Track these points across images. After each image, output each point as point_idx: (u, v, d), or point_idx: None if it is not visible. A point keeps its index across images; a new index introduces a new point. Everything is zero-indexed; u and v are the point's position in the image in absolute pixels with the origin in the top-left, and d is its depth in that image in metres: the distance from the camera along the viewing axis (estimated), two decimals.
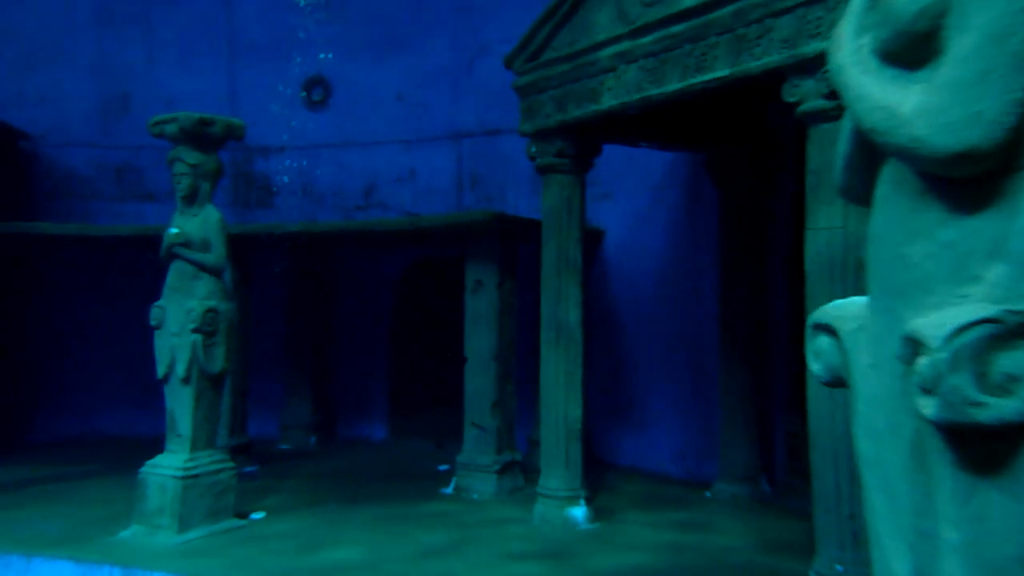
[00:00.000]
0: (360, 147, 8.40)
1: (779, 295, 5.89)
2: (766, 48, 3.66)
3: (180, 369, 4.71)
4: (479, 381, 5.90)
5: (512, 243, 6.07)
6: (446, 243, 6.71)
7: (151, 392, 5.10)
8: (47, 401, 8.05)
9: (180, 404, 4.74)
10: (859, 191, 1.27)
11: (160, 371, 4.77)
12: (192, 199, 4.89)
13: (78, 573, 4.22)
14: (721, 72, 3.89)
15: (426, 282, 8.07)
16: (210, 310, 4.75)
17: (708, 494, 5.69)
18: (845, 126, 1.27)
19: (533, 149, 5.07)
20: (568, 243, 4.98)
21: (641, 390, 6.82)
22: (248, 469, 6.28)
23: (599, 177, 6.18)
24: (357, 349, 8.37)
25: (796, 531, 4.72)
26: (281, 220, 7.94)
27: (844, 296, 2.41)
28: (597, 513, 4.96)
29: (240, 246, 6.62)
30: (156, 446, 4.86)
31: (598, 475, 6.02)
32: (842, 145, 1.29)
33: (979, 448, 0.99)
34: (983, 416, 0.97)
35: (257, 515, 5.08)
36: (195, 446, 4.72)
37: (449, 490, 5.84)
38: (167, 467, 4.65)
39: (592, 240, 6.82)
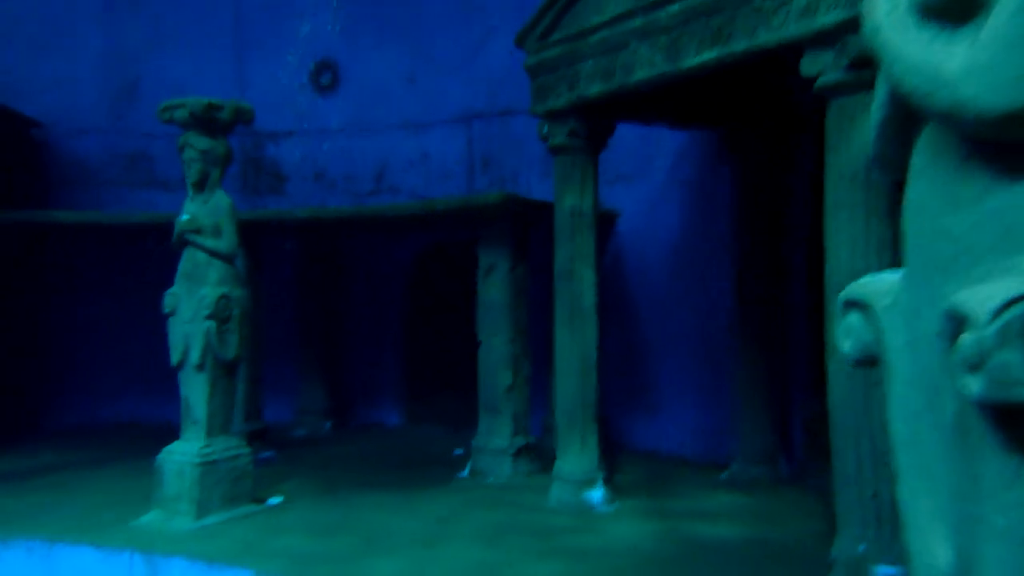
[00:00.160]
0: (370, 131, 8.34)
1: (797, 275, 5.81)
2: (784, 20, 3.57)
3: (194, 356, 4.71)
4: (493, 365, 5.87)
5: (525, 226, 6.02)
6: (458, 227, 6.66)
7: (168, 379, 5.11)
8: (63, 388, 8.11)
9: (195, 391, 4.75)
10: (894, 161, 1.21)
11: (174, 358, 4.78)
12: (202, 185, 4.86)
13: (99, 558, 4.26)
14: (738, 46, 3.79)
15: (439, 266, 8.04)
16: (223, 296, 4.74)
17: (724, 476, 5.65)
18: (879, 92, 1.20)
19: (545, 130, 4.99)
20: (582, 225, 4.92)
21: (656, 372, 6.78)
22: (264, 455, 6.31)
23: (612, 158, 6.10)
24: (370, 335, 8.37)
25: (816, 512, 4.68)
26: (292, 206, 7.92)
27: (867, 273, 2.35)
28: (613, 496, 4.94)
29: (251, 232, 6.61)
30: (173, 432, 4.88)
31: (614, 458, 5.99)
32: (876, 112, 1.22)
33: None
34: None
35: (274, 500, 5.09)
36: (211, 432, 4.73)
37: (465, 474, 5.84)
38: (184, 453, 4.67)
39: (606, 222, 6.75)
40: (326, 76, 8.46)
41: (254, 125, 5.53)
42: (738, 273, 5.76)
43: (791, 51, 3.57)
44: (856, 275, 3.16)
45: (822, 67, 3.42)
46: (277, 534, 4.40)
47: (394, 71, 8.29)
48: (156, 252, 6.09)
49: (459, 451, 6.50)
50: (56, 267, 8.15)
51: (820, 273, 3.59)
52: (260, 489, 5.09)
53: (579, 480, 4.85)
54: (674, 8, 4.09)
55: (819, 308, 3.78)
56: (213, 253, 4.80)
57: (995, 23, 0.94)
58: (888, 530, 3.19)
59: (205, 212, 4.83)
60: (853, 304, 1.30)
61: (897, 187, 3.41)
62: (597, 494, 4.84)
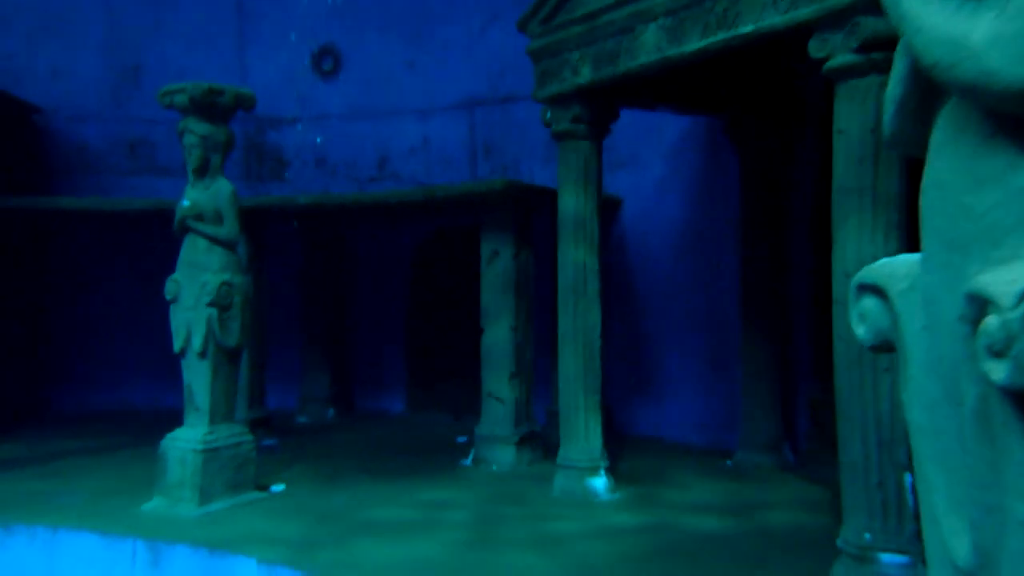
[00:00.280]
0: (372, 117, 8.29)
1: (801, 262, 5.76)
2: (792, 1, 3.50)
3: (196, 343, 4.69)
4: (496, 352, 5.85)
5: (528, 213, 5.97)
6: (461, 214, 6.63)
7: (172, 365, 5.10)
8: (68, 374, 8.11)
9: (197, 378, 4.73)
10: (912, 139, 1.16)
11: (177, 345, 4.76)
12: (203, 171, 4.82)
13: (102, 544, 4.26)
14: (745, 28, 3.73)
15: (442, 253, 8.00)
16: (224, 283, 4.72)
17: (729, 463, 5.63)
18: (897, 66, 1.16)
19: (548, 115, 4.94)
20: (585, 212, 4.87)
21: (660, 360, 6.75)
22: (267, 442, 6.30)
23: (616, 144, 6.05)
24: (373, 322, 8.35)
25: (820, 500, 4.66)
26: (294, 193, 7.87)
27: (875, 259, 2.31)
28: (618, 483, 4.92)
29: (253, 219, 6.58)
30: (177, 419, 4.87)
31: (618, 446, 5.97)
32: (893, 88, 1.18)
33: None
34: None
35: (277, 487, 5.09)
36: (214, 419, 4.72)
37: (468, 462, 5.83)
38: (187, 440, 4.66)
39: (610, 209, 6.71)
40: (327, 62, 8.40)
41: (256, 111, 5.48)
42: (742, 260, 5.72)
43: (799, 34, 3.51)
44: (863, 261, 3.12)
45: (831, 49, 3.36)
46: (280, 521, 4.39)
47: (396, 57, 8.22)
48: (159, 239, 6.06)
49: (462, 439, 6.49)
50: (58, 254, 8.13)
51: (824, 260, 3.55)
52: (263, 476, 5.08)
53: (583, 468, 4.83)
54: None
55: (824, 295, 3.74)
56: (214, 240, 4.77)
57: None
58: (894, 519, 3.17)
59: (206, 198, 4.80)
60: (868, 288, 1.26)
61: (908, 171, 3.34)
62: (601, 482, 4.82)
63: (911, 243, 3.10)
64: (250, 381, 6.68)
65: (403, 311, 8.28)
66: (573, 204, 4.88)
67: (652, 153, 6.79)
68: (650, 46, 4.23)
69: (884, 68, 3.24)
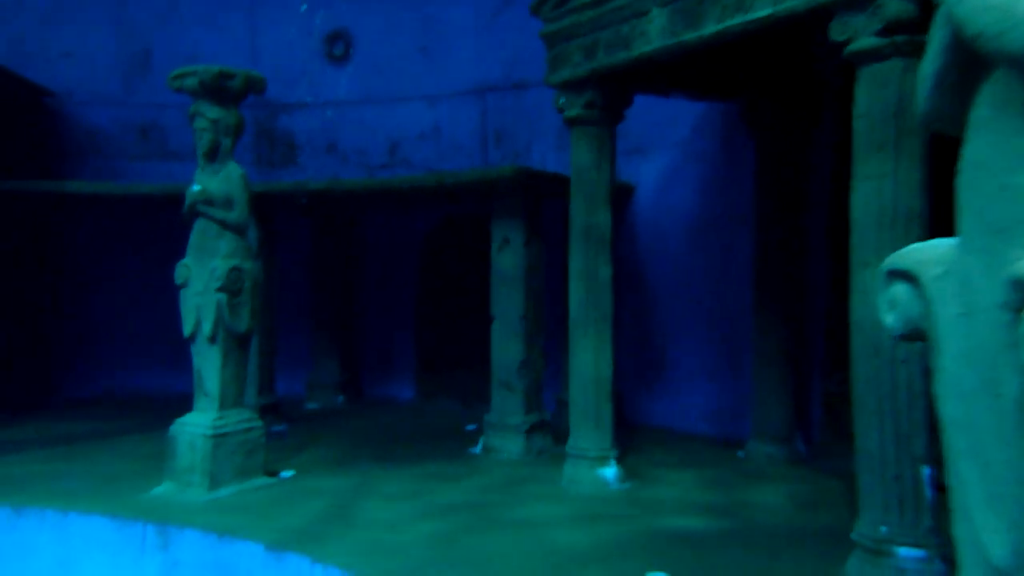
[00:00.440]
0: (383, 103, 8.23)
1: (817, 250, 5.68)
2: None
3: (206, 328, 4.67)
4: (506, 340, 5.81)
5: (539, 199, 5.91)
6: (472, 200, 6.57)
7: (181, 350, 5.10)
8: (77, 358, 8.14)
9: (207, 363, 4.72)
10: (950, 116, 1.10)
11: (186, 330, 4.75)
12: (213, 155, 4.79)
13: (113, 528, 4.27)
14: (763, 11, 3.64)
15: (452, 240, 7.96)
16: (234, 268, 4.69)
17: (741, 454, 5.58)
18: (934, 39, 1.10)
19: (561, 100, 4.87)
20: (598, 198, 4.81)
21: (672, 349, 6.69)
22: (277, 428, 6.31)
23: (629, 130, 5.96)
24: (384, 308, 8.33)
25: (834, 492, 4.61)
26: (305, 178, 7.84)
27: (894, 247, 2.24)
28: (628, 473, 4.88)
29: (264, 204, 6.55)
30: (186, 404, 4.86)
31: (628, 435, 5.94)
32: (930, 63, 1.12)
33: None
34: None
35: (287, 473, 5.09)
36: (223, 404, 4.71)
37: (477, 450, 5.81)
38: (196, 425, 4.66)
39: (622, 195, 6.63)
40: (339, 46, 8.33)
41: (267, 96, 5.44)
42: (756, 247, 5.64)
43: (819, 16, 3.43)
44: (883, 249, 3.06)
45: (852, 32, 3.28)
46: (289, 507, 4.38)
47: (407, 42, 8.14)
48: (169, 223, 6.04)
49: (472, 426, 6.47)
50: (69, 238, 8.14)
51: (841, 248, 3.48)
52: (272, 462, 5.08)
53: (593, 457, 4.79)
54: None
55: (840, 283, 3.67)
56: (224, 224, 4.74)
57: None
58: (911, 512, 3.12)
59: (216, 183, 4.77)
60: (899, 274, 1.21)
61: (931, 155, 3.25)
62: (611, 472, 4.78)
63: (932, 232, 3.02)
64: (259, 367, 6.68)
65: (413, 298, 8.25)
66: (585, 191, 4.81)
67: (665, 140, 6.70)
68: (665, 30, 4.15)
69: (907, 52, 3.15)
